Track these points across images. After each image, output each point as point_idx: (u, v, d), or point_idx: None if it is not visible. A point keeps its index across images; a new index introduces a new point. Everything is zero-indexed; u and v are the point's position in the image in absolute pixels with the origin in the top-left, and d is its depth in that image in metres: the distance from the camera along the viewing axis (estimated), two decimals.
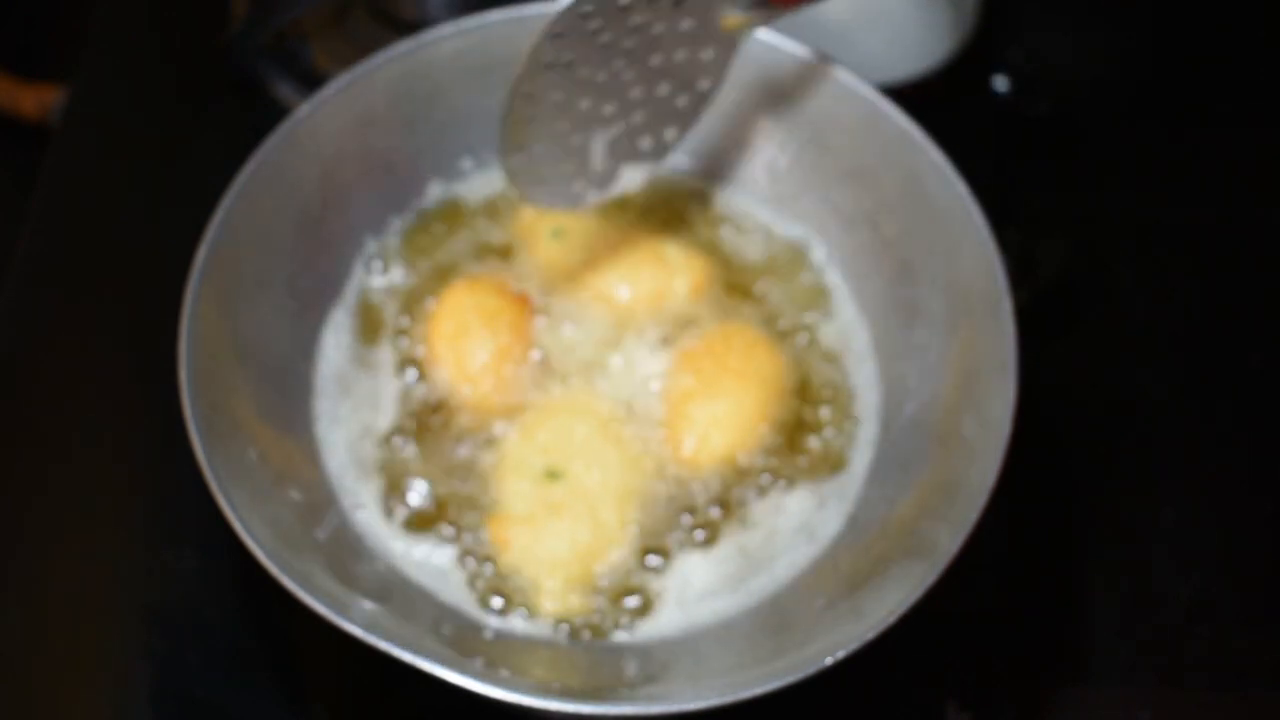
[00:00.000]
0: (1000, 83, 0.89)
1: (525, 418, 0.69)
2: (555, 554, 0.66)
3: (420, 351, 0.71)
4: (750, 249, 0.75)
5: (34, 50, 1.08)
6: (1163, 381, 0.79)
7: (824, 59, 0.73)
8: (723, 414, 0.69)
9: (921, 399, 0.69)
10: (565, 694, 0.59)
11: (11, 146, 1.01)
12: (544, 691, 0.58)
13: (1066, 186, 0.86)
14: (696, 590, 0.66)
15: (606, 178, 0.70)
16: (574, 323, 0.72)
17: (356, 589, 0.63)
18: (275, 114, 0.73)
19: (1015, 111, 0.88)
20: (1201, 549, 0.74)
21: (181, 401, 0.62)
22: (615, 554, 0.66)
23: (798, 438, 0.70)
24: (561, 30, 0.64)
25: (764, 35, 0.73)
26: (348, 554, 0.65)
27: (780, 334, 0.73)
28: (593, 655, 0.64)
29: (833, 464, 0.70)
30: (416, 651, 0.57)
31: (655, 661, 0.64)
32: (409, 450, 0.69)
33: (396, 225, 0.75)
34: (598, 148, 0.69)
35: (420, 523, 0.67)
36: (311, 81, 0.81)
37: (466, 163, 0.76)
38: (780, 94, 0.75)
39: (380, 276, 0.74)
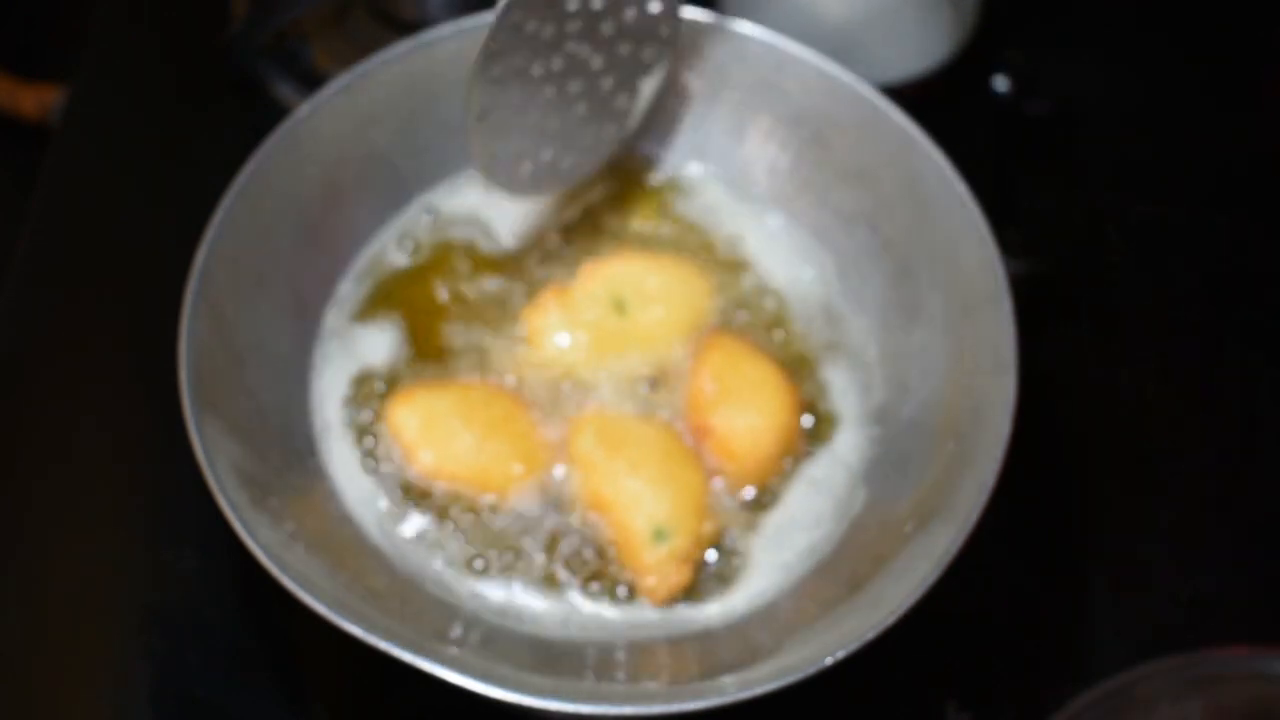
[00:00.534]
0: (1000, 83, 0.89)
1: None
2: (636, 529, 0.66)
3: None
4: (749, 249, 0.75)
5: (34, 50, 1.08)
6: (1163, 381, 0.79)
7: (824, 59, 0.73)
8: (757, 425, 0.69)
9: (921, 399, 0.69)
10: (565, 694, 0.59)
11: (11, 146, 1.02)
12: (544, 691, 0.58)
13: (1066, 186, 0.86)
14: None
15: (590, 149, 0.71)
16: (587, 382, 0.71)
17: (357, 586, 0.63)
18: (275, 114, 0.73)
19: (1015, 111, 0.88)
20: (1201, 549, 0.74)
21: (181, 401, 0.62)
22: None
23: (800, 440, 0.70)
24: (498, 48, 0.64)
25: (764, 35, 0.74)
26: (348, 551, 0.65)
27: (778, 334, 0.73)
28: (589, 652, 0.64)
29: (832, 464, 0.70)
30: (417, 651, 0.57)
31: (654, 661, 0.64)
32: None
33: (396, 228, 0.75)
34: (573, 120, 0.70)
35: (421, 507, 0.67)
36: (311, 81, 0.81)
37: (466, 163, 0.76)
38: (780, 94, 0.75)
39: (400, 254, 0.74)
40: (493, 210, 0.75)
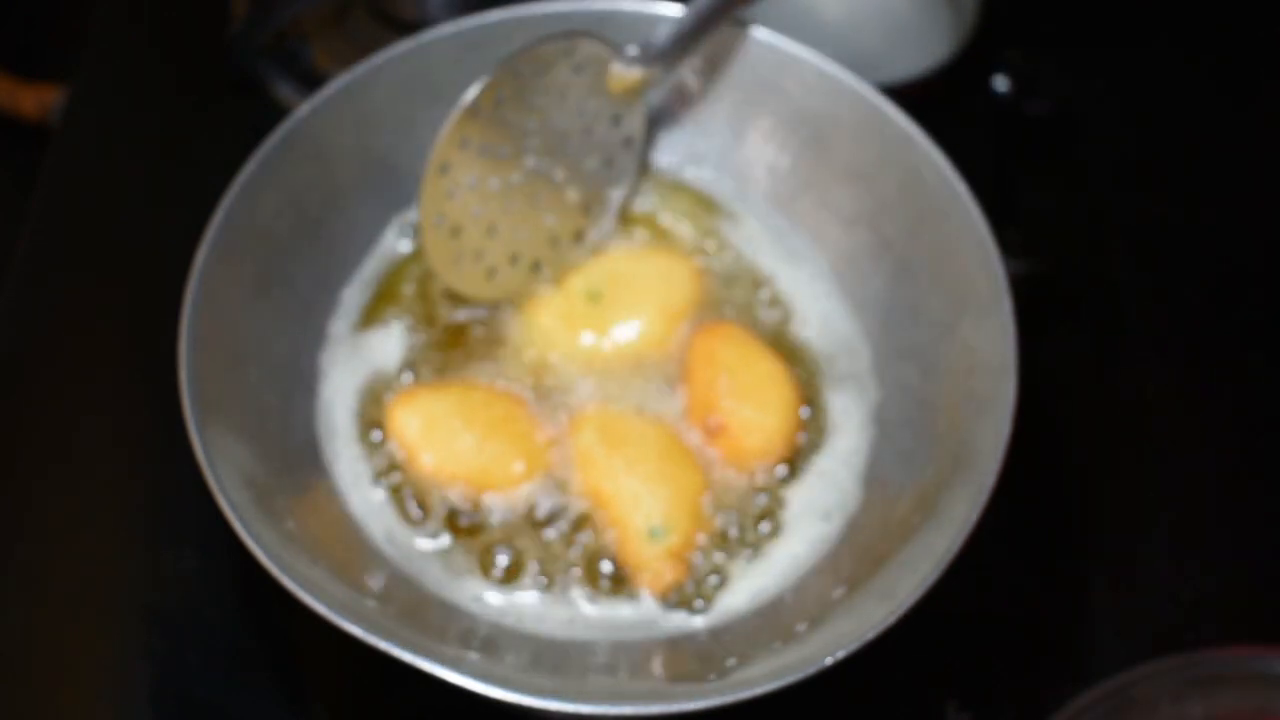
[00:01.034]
0: (1000, 83, 0.89)
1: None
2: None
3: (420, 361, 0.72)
4: (749, 249, 0.75)
5: (34, 50, 1.08)
6: (1163, 381, 0.79)
7: (824, 59, 0.73)
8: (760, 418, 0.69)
9: (921, 399, 0.69)
10: (565, 694, 0.59)
11: (11, 146, 1.02)
12: (544, 691, 0.58)
13: (1066, 186, 0.86)
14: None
15: (558, 253, 0.73)
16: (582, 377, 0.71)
17: (358, 586, 0.63)
18: (275, 114, 0.73)
19: (1015, 111, 0.88)
20: (1202, 549, 0.74)
21: (181, 401, 0.62)
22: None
23: (801, 443, 0.70)
24: (450, 161, 0.68)
25: (764, 35, 0.74)
26: (349, 551, 0.65)
27: (776, 335, 0.73)
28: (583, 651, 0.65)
29: (832, 464, 0.70)
30: (416, 651, 0.57)
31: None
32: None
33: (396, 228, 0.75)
34: (538, 228, 0.72)
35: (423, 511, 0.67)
36: (311, 81, 0.81)
37: None
38: (780, 94, 0.75)
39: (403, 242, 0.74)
40: None
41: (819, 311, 0.74)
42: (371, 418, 0.70)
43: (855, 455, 0.70)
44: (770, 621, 0.65)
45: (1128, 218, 0.85)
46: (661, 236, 0.75)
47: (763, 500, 0.68)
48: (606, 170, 0.74)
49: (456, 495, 0.68)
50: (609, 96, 0.71)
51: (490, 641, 0.63)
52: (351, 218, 0.73)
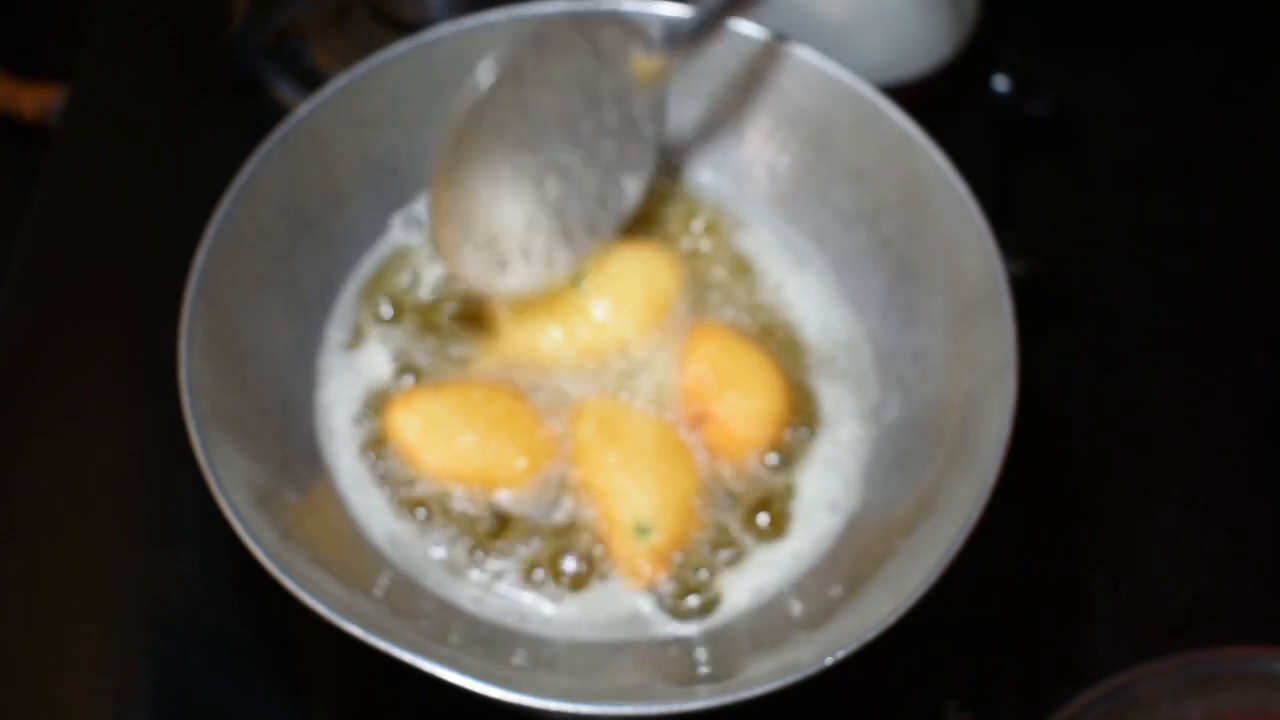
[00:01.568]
0: (1000, 83, 0.89)
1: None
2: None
3: (418, 359, 0.72)
4: (748, 249, 0.75)
5: (34, 50, 1.08)
6: (1163, 381, 0.79)
7: (824, 59, 0.73)
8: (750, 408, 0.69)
9: (921, 399, 0.69)
10: (566, 693, 0.59)
11: (11, 146, 1.02)
12: (544, 691, 0.59)
13: (1066, 186, 0.87)
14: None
15: (572, 243, 0.71)
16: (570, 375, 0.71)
17: (358, 586, 0.63)
18: (275, 114, 0.73)
19: (1015, 111, 0.88)
20: (1202, 549, 0.74)
21: (181, 401, 0.62)
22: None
23: (797, 439, 0.70)
24: (461, 147, 0.65)
25: (764, 35, 0.74)
26: (349, 551, 0.65)
27: (774, 335, 0.73)
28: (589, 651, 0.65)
29: (831, 464, 0.70)
30: (416, 651, 0.57)
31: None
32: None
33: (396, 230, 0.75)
34: (552, 217, 0.70)
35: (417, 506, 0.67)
36: (311, 81, 0.81)
37: None
38: (780, 94, 0.75)
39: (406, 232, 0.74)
40: None
41: (819, 311, 0.74)
42: (372, 418, 0.70)
43: (854, 454, 0.70)
44: (770, 621, 0.65)
45: (1128, 218, 0.85)
46: (657, 235, 0.75)
47: (762, 498, 0.68)
48: (622, 160, 0.72)
49: (458, 495, 0.68)
50: (628, 83, 0.69)
51: (490, 641, 0.63)
52: (351, 218, 0.73)
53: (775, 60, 0.74)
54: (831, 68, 0.73)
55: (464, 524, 0.67)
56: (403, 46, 0.72)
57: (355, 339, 0.72)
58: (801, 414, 0.70)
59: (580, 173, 0.71)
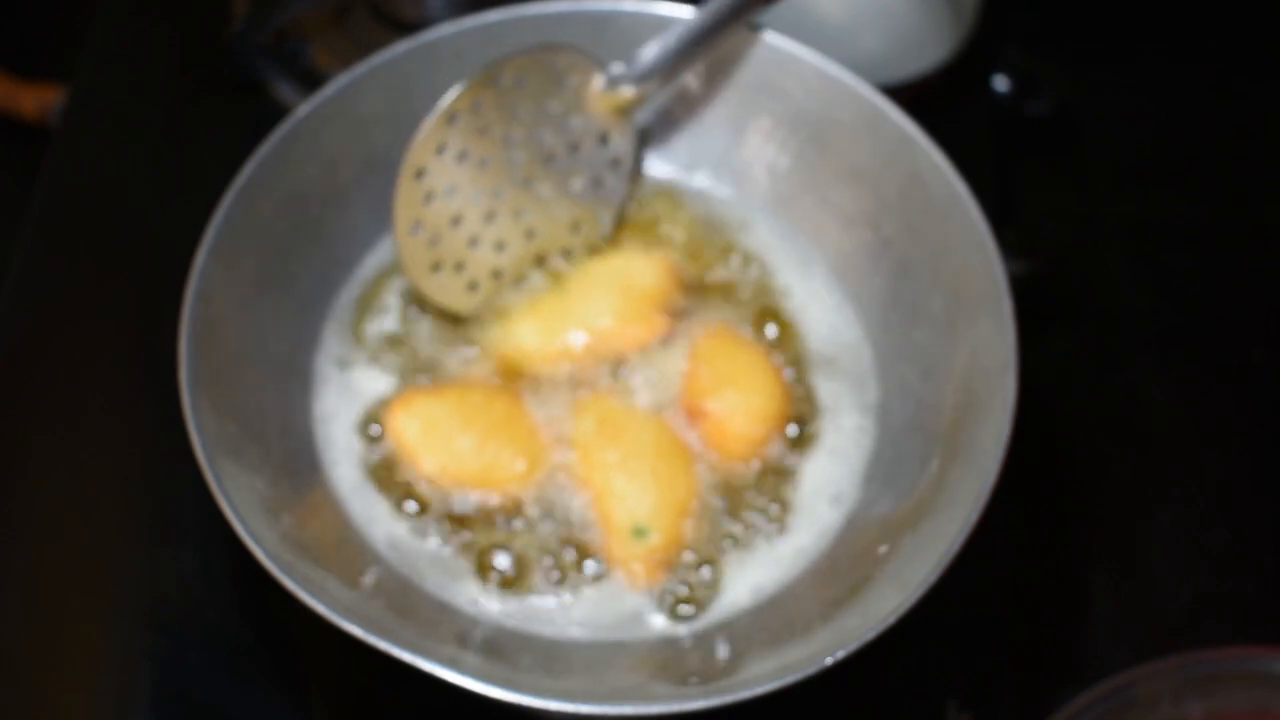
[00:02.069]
0: (1000, 83, 0.89)
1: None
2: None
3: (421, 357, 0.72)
4: (748, 250, 0.75)
5: (34, 50, 1.08)
6: (1163, 381, 0.79)
7: (824, 59, 0.73)
8: (747, 405, 0.69)
9: (921, 399, 0.69)
10: (566, 694, 0.59)
11: (11, 146, 1.02)
12: (545, 691, 0.58)
13: (1066, 186, 0.86)
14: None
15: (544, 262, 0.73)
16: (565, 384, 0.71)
17: (357, 586, 0.63)
18: (275, 114, 0.73)
19: (1015, 111, 0.88)
20: (1202, 549, 0.74)
21: (181, 401, 0.62)
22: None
23: (797, 435, 0.70)
24: (425, 165, 0.67)
25: (764, 35, 0.74)
26: (349, 551, 0.65)
27: (776, 334, 0.73)
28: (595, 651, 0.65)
29: (832, 464, 0.70)
30: (416, 651, 0.57)
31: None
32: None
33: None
34: (521, 239, 0.72)
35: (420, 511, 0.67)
36: (311, 81, 0.81)
37: None
38: (780, 94, 0.75)
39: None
40: None
41: (819, 311, 0.74)
42: (371, 419, 0.70)
43: (854, 454, 0.70)
44: (770, 620, 0.65)
45: (1128, 218, 0.85)
46: (656, 238, 0.75)
47: (762, 495, 0.68)
48: (595, 190, 0.73)
49: (456, 497, 0.68)
50: (594, 114, 0.71)
51: (490, 642, 0.63)
52: (351, 218, 0.73)
53: (775, 60, 0.74)
54: (831, 68, 0.73)
55: (462, 525, 0.67)
56: (403, 46, 0.72)
57: (355, 340, 0.72)
58: (801, 411, 0.71)
59: (551, 200, 0.72)
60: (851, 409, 0.71)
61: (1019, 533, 0.72)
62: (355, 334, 0.72)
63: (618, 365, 0.71)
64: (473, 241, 0.71)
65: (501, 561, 0.66)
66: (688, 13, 0.72)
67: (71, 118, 0.88)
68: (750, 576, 0.67)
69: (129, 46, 0.90)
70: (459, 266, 0.71)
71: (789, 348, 0.72)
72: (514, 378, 0.70)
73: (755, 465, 0.69)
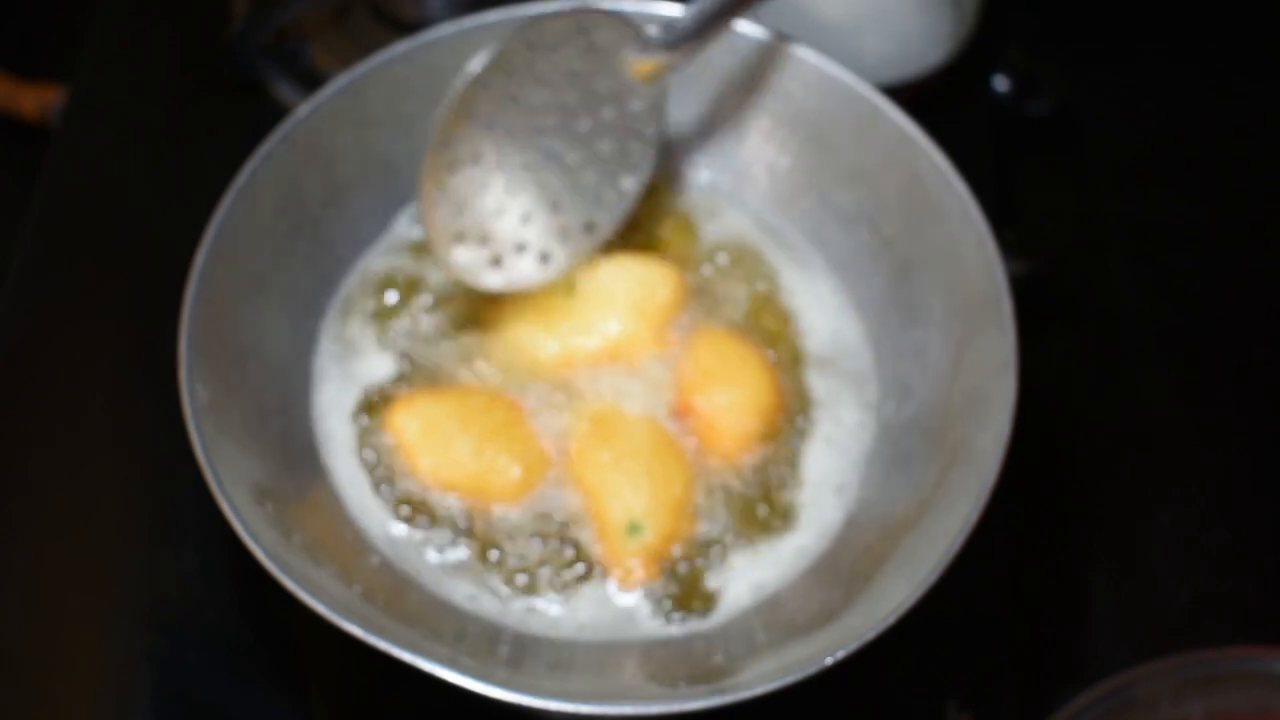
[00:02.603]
0: (1000, 83, 0.89)
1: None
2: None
3: (418, 355, 0.72)
4: (748, 249, 0.75)
5: (34, 50, 1.08)
6: (1163, 381, 0.79)
7: (824, 59, 0.73)
8: (740, 403, 0.69)
9: (921, 399, 0.69)
10: (566, 694, 0.59)
11: (11, 146, 1.02)
12: (544, 691, 0.58)
13: (1066, 186, 0.86)
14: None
15: (566, 240, 0.71)
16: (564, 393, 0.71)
17: (357, 587, 0.63)
18: (275, 114, 0.73)
19: (1015, 111, 0.88)
20: (1202, 549, 0.74)
21: (181, 401, 0.62)
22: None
23: (796, 429, 0.70)
24: (453, 133, 0.65)
25: (764, 35, 0.74)
26: (349, 552, 0.65)
27: (773, 334, 0.73)
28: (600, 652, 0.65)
29: (832, 463, 0.70)
30: (416, 651, 0.57)
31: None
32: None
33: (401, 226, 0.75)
34: (547, 212, 0.70)
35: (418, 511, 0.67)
36: (311, 81, 0.81)
37: None
38: (780, 94, 0.75)
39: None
40: None
41: (819, 312, 0.74)
42: (370, 419, 0.70)
43: (854, 454, 0.70)
44: (769, 620, 0.65)
45: (1128, 218, 0.85)
46: (656, 239, 0.75)
47: (760, 491, 0.68)
48: (621, 158, 0.72)
49: (455, 499, 0.68)
50: (625, 80, 0.69)
51: (489, 642, 0.63)
52: (351, 217, 0.73)
53: (775, 60, 0.74)
54: (831, 68, 0.73)
55: (460, 526, 0.67)
56: (403, 46, 0.72)
57: (355, 340, 0.72)
58: (800, 408, 0.70)
59: (577, 169, 0.71)
60: (851, 407, 0.71)
61: (1019, 533, 0.72)
62: (355, 334, 0.72)
63: (618, 367, 0.71)
64: (498, 213, 0.69)
65: (500, 561, 0.66)
66: (687, 11, 0.72)
67: (71, 118, 0.88)
68: (750, 575, 0.67)
69: (129, 46, 0.90)
70: (483, 239, 0.69)
71: (788, 348, 0.72)
72: (517, 381, 0.70)
73: (754, 463, 0.69)
